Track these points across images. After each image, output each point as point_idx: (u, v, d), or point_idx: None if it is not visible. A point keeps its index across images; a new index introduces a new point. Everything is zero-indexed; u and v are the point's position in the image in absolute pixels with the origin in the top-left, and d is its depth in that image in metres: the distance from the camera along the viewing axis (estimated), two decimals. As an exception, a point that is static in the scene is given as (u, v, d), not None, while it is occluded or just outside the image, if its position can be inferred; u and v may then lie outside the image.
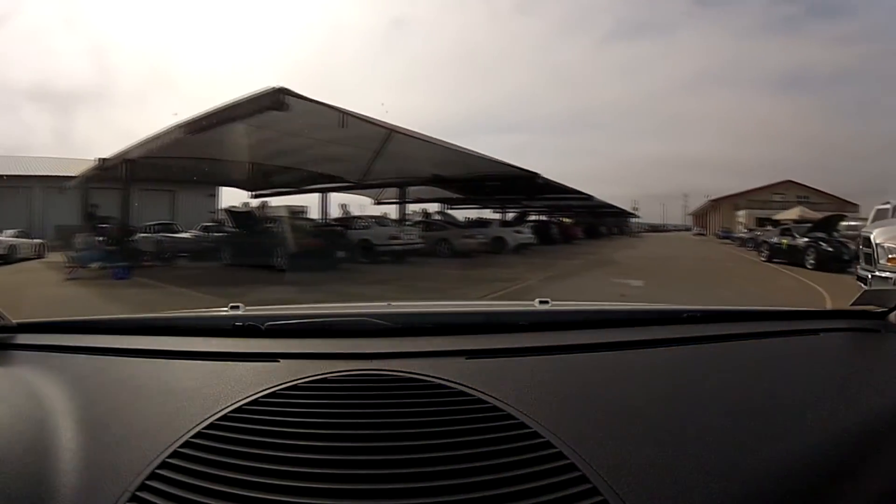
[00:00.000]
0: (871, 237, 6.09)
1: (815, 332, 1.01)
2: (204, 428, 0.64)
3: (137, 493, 0.55)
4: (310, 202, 18.90)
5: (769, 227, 19.58)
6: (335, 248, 11.09)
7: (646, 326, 1.01)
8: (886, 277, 5.58)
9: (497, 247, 15.41)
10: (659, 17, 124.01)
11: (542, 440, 0.60)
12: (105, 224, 11.70)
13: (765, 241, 15.54)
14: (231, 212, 14.26)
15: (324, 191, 17.15)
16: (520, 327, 0.99)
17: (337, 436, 0.61)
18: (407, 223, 15.69)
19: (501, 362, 0.81)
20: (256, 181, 16.23)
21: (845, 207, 26.19)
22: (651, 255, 17.98)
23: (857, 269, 6.73)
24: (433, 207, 20.88)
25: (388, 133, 11.68)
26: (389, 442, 0.60)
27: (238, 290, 7.33)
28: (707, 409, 0.70)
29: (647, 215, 66.22)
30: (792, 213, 24.04)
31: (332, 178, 15.49)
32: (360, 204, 20.88)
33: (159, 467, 0.58)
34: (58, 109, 71.10)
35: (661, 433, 0.63)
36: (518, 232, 17.37)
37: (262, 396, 0.69)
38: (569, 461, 0.57)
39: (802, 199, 32.98)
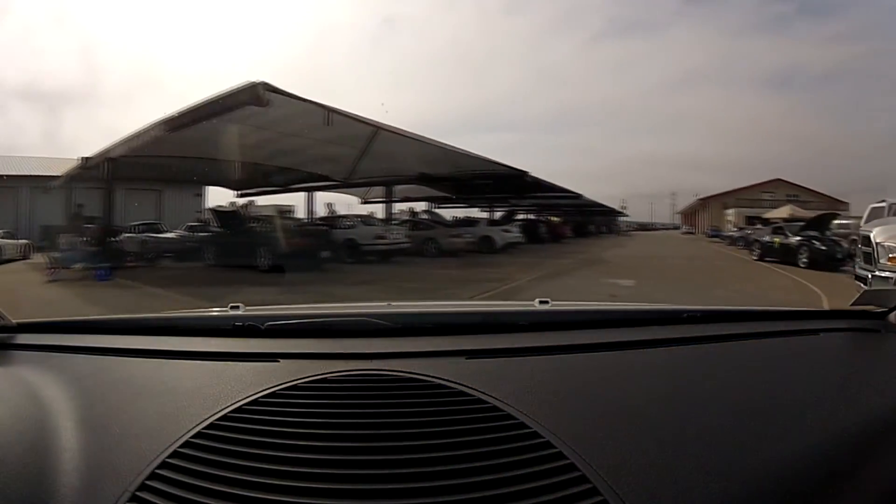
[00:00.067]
0: (871, 236, 6.01)
1: (815, 332, 1.01)
2: (204, 428, 0.64)
3: (137, 493, 0.55)
4: (297, 201, 18.84)
5: (759, 226, 19.67)
6: (320, 247, 11.01)
7: (646, 326, 1.01)
8: (886, 277, 5.54)
9: (485, 246, 15.40)
10: (649, 15, 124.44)
11: (542, 440, 0.60)
12: (90, 224, 11.63)
13: (756, 240, 15.47)
14: (216, 211, 14.18)
15: (310, 190, 17.04)
16: (520, 327, 0.99)
17: (337, 436, 0.61)
18: (393, 222, 15.68)
19: (501, 362, 0.81)
20: (242, 180, 16.12)
21: (835, 206, 26.24)
22: (641, 253, 18.04)
23: (855, 268, 6.67)
24: (420, 206, 20.85)
25: (375, 131, 11.63)
26: (389, 442, 0.60)
27: (218, 292, 7.29)
28: (707, 409, 0.70)
29: (635, 214, 66.59)
30: (782, 212, 24.16)
31: (318, 177, 15.40)
32: (346, 203, 20.73)
33: (159, 467, 0.58)
34: (45, 109, 70.88)
35: (662, 433, 0.63)
36: (506, 231, 17.40)
37: (262, 396, 0.69)
38: (569, 461, 0.57)
39: (792, 198, 33.04)
